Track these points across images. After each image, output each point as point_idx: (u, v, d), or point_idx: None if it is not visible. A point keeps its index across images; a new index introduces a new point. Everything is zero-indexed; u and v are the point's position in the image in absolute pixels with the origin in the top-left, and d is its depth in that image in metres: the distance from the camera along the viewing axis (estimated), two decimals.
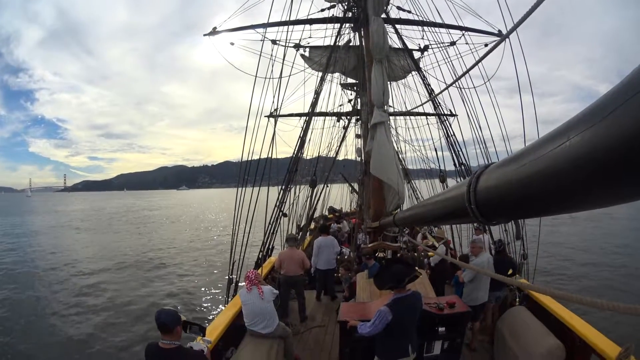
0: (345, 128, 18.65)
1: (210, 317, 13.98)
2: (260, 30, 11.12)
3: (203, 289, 18.05)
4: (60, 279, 20.31)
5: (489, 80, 9.69)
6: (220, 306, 14.91)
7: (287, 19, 10.39)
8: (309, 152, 14.27)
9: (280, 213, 9.94)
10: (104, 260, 24.90)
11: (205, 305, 15.64)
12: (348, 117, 18.29)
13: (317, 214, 18.02)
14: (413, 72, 12.95)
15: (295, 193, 12.36)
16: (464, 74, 4.41)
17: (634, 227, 32.82)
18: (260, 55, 9.43)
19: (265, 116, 9.80)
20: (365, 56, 9.45)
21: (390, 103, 12.58)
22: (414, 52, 13.05)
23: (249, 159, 9.14)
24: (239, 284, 8.28)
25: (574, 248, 24.67)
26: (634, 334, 9.34)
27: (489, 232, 9.34)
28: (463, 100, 10.51)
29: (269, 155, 9.24)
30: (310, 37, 12.45)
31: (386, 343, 4.22)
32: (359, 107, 15.26)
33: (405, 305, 4.14)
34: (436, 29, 11.73)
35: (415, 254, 9.57)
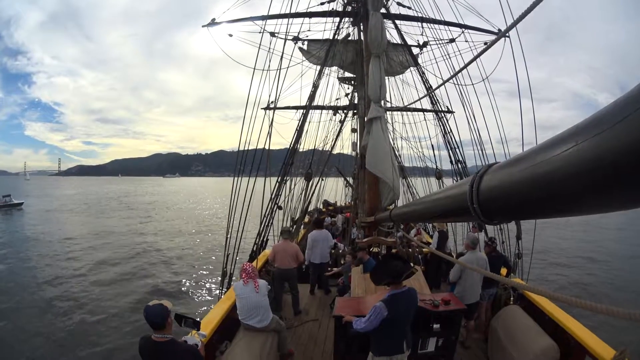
0: (342, 122, 18.68)
1: (197, 306, 14.06)
2: (259, 22, 11.06)
3: (197, 280, 18.09)
4: (54, 267, 20.38)
5: (487, 77, 9.68)
6: (210, 297, 14.97)
7: (287, 12, 10.35)
8: (305, 145, 14.25)
9: (276, 206, 9.93)
10: (98, 249, 25.01)
11: (198, 297, 15.66)
12: (345, 111, 18.29)
13: (311, 207, 18.05)
14: (411, 68, 12.94)
15: (290, 186, 12.37)
16: (462, 69, 4.40)
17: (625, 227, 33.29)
18: (259, 47, 9.38)
19: (262, 108, 9.78)
20: (363, 51, 9.43)
21: (388, 98, 12.59)
22: (412, 48, 13.03)
23: (246, 148, 9.12)
24: (233, 277, 8.30)
25: (567, 249, 24.96)
26: (629, 337, 9.43)
27: (485, 230, 9.37)
28: (461, 99, 10.51)
29: (266, 146, 9.20)
30: (309, 30, 12.40)
31: (381, 339, 4.23)
32: (356, 102, 15.26)
33: (401, 301, 4.14)
34: (436, 25, 11.70)
35: (410, 249, 9.61)
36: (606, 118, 0.84)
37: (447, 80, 6.13)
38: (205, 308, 13.57)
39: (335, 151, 19.29)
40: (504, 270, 7.41)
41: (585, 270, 20.23)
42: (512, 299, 6.86)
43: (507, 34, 6.98)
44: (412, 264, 8.59)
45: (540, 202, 1.13)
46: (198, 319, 4.26)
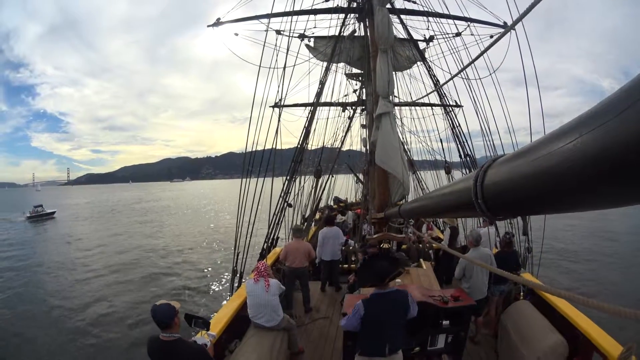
0: (351, 118, 18.62)
1: (208, 305, 14.18)
2: (265, 20, 11.06)
3: (208, 279, 18.27)
4: (74, 270, 21.05)
5: (494, 71, 9.63)
6: (221, 295, 15.09)
7: (292, 9, 10.34)
8: (314, 143, 14.23)
9: (285, 203, 9.94)
10: (115, 251, 25.84)
11: (209, 296, 15.79)
12: (353, 107, 18.22)
13: (322, 204, 18.04)
14: (418, 63, 12.90)
15: (300, 183, 12.36)
16: (468, 65, 4.36)
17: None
18: (264, 45, 9.39)
19: (270, 106, 9.78)
20: (370, 46, 9.40)
21: (396, 93, 12.55)
22: (419, 42, 12.99)
23: (254, 149, 9.13)
24: (244, 275, 8.33)
25: (577, 241, 24.82)
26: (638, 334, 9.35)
27: (495, 225, 9.28)
28: (469, 92, 10.46)
29: (274, 146, 9.19)
30: (315, 27, 12.39)
31: (362, 339, 4.14)
32: (364, 97, 15.20)
33: (383, 302, 4.03)
34: (441, 19, 11.66)
35: (420, 245, 9.56)
36: (610, 107, 0.80)
37: (455, 76, 6.10)
38: (216, 305, 13.71)
39: (345, 148, 19.27)
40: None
41: (596, 262, 20.11)
42: (522, 294, 6.81)
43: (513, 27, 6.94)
44: (419, 261, 8.56)
45: (544, 197, 1.10)
46: (208, 320, 4.27)
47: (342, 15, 11.89)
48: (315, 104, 11.93)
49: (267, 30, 10.18)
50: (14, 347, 11.61)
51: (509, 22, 9.39)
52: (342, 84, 18.06)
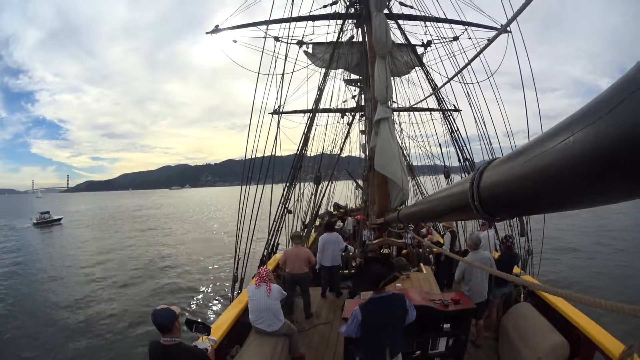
0: (350, 124, 18.64)
1: (211, 311, 14.17)
2: (263, 27, 11.06)
3: (209, 285, 18.27)
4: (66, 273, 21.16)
5: (492, 75, 9.63)
6: (222, 302, 15.10)
7: (290, 16, 10.36)
8: (313, 149, 14.23)
9: (285, 210, 9.92)
10: (116, 258, 26.11)
11: (209, 302, 15.78)
12: (352, 113, 18.24)
13: (322, 211, 18.01)
14: (416, 68, 12.93)
15: (299, 190, 12.35)
16: (465, 66, 4.39)
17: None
18: (262, 52, 9.40)
19: (269, 113, 9.78)
20: (368, 52, 9.42)
21: (394, 99, 12.57)
22: (417, 47, 13.02)
23: (253, 156, 9.14)
24: (244, 281, 8.33)
25: (576, 240, 24.91)
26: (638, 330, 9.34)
27: (494, 228, 9.26)
28: (467, 96, 10.47)
29: (273, 153, 9.19)
30: (313, 34, 12.42)
31: (361, 344, 4.09)
32: (362, 103, 15.23)
33: (380, 307, 3.96)
34: (439, 24, 11.67)
35: (420, 250, 9.55)
36: (602, 104, 0.81)
37: (451, 79, 6.11)
38: (217, 311, 13.72)
39: (344, 154, 19.27)
40: (518, 269, 7.35)
41: (596, 259, 20.17)
42: (522, 296, 6.80)
43: (509, 28, 6.96)
44: (419, 265, 8.55)
45: (540, 196, 1.11)
46: (209, 325, 4.28)
47: (340, 21, 11.94)
48: (314, 111, 11.94)
49: (265, 37, 10.20)
50: (16, 347, 11.78)
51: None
52: (341, 90, 18.20)
